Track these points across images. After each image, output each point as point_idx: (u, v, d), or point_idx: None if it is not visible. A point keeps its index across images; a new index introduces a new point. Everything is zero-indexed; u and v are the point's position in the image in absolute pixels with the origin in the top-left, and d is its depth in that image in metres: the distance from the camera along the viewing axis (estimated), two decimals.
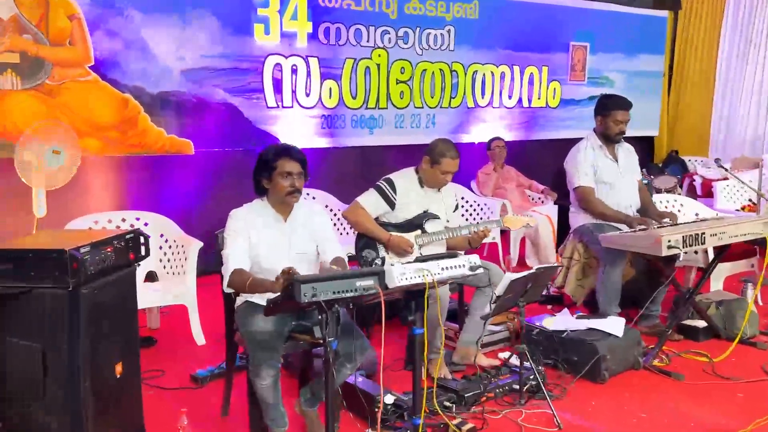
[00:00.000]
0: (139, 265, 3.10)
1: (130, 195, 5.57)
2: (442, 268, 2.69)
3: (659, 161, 9.14)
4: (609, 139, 4.38)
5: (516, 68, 7.67)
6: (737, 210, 6.64)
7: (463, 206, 6.31)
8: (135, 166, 5.59)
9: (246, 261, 2.95)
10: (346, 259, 3.16)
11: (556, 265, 3.27)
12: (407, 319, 2.76)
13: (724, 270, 4.89)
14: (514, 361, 3.86)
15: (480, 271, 2.78)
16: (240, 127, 6.00)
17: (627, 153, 4.48)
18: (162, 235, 4.60)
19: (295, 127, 6.28)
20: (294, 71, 6.17)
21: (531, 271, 3.19)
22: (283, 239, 3.05)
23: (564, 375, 3.73)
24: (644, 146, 8.89)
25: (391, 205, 3.84)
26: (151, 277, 4.67)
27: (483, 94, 7.47)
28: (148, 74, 5.43)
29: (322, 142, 6.49)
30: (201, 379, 3.72)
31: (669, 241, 3.57)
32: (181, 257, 4.45)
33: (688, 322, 4.43)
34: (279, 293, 2.53)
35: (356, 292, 2.48)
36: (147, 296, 4.09)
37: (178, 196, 5.81)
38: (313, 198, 6.01)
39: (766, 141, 8.35)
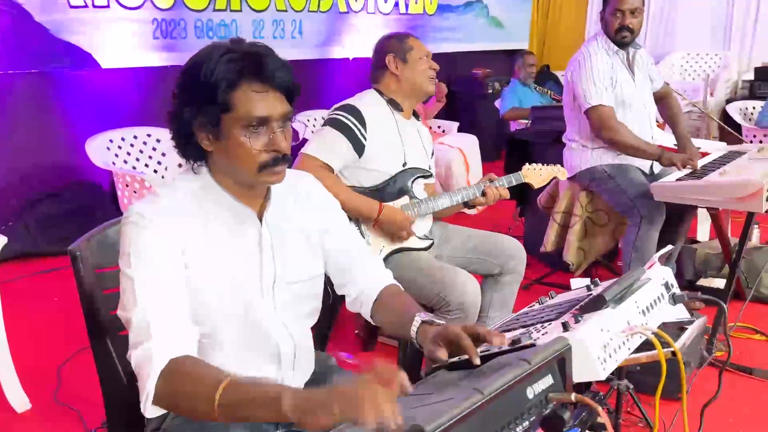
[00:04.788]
0: None
1: None
2: (642, 312, 1.28)
3: None
4: (615, 42, 3.15)
5: None
6: None
7: None
8: None
9: (188, 329, 1.27)
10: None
11: (669, 248, 1.99)
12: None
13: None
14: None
15: (675, 290, 1.45)
16: (30, 37, 3.93)
17: (643, 61, 3.27)
18: None
19: (115, 36, 4.31)
20: None
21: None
22: (257, 258, 1.38)
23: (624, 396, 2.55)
24: None
25: (360, 150, 2.32)
26: None
27: None
28: None
29: (154, 59, 4.56)
30: None
31: None
32: None
33: (701, 282, 3.50)
34: None
35: (530, 415, 1.00)
36: None
37: None
38: (158, 141, 4.17)
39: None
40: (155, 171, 4.09)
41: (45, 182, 4.22)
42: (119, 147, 3.99)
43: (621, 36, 3.12)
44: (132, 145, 4.04)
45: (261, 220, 1.38)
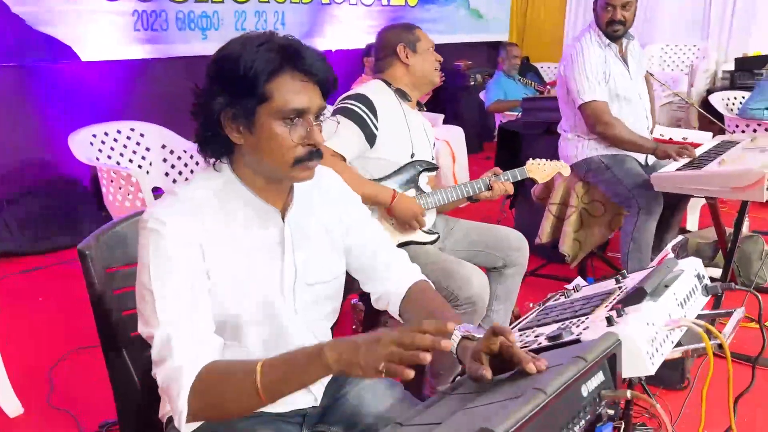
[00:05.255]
0: None
1: None
2: (680, 304, 1.26)
3: None
4: (606, 35, 3.13)
5: None
6: None
7: None
8: None
9: (211, 338, 1.21)
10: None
11: (681, 238, 1.98)
12: None
13: (698, 200, 4.00)
14: None
15: (707, 281, 1.45)
16: (7, 29, 3.82)
17: (637, 53, 3.25)
18: None
19: (95, 28, 4.21)
20: None
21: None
22: (278, 258, 1.32)
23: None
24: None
25: (372, 139, 2.28)
26: None
27: None
28: None
29: (137, 52, 4.49)
30: None
31: None
32: None
33: None
34: None
35: (585, 414, 0.97)
36: None
37: None
38: (141, 135, 4.06)
39: None
40: (139, 166, 3.98)
41: (24, 179, 4.10)
42: (102, 142, 3.87)
43: (612, 30, 3.10)
44: (115, 140, 3.93)
45: (283, 219, 1.32)
